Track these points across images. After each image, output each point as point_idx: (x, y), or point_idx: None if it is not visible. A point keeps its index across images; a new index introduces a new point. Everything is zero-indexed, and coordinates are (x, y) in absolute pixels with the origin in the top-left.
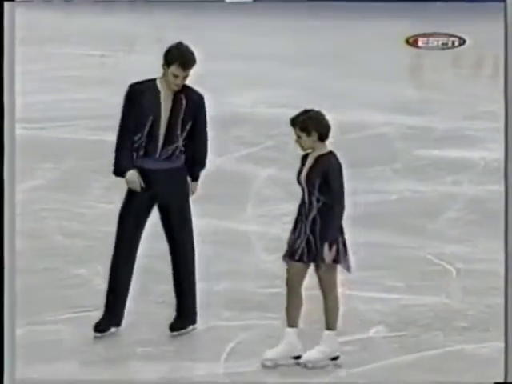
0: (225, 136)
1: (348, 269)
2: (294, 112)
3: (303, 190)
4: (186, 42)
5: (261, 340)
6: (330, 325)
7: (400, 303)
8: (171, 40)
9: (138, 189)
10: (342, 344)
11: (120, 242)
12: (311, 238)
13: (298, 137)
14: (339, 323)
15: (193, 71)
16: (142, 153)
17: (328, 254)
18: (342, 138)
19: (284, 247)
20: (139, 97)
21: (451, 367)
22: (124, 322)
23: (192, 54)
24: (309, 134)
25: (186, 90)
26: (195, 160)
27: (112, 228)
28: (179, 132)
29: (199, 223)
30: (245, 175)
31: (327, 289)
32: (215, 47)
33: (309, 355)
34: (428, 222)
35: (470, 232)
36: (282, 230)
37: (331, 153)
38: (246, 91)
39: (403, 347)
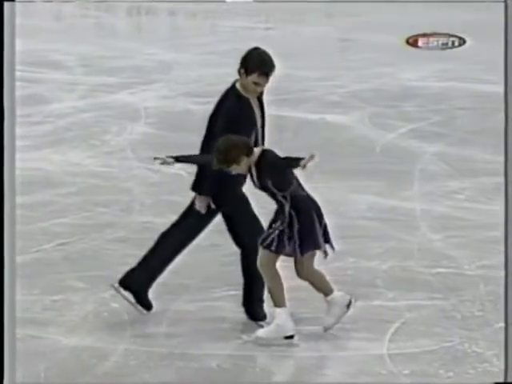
0: (392, 111)
1: (325, 253)
2: (464, 86)
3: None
4: (352, 13)
5: (425, 321)
6: (276, 304)
7: None
8: (341, 14)
9: (203, 212)
10: None
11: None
12: (287, 231)
13: (235, 170)
14: None
15: (367, 46)
16: None
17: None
18: None
19: (450, 226)
20: (238, 112)
21: None
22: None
23: (271, 60)
24: (238, 163)
25: None
26: None
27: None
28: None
29: (365, 201)
30: (410, 151)
31: (265, 272)
32: (385, 20)
33: (261, 332)
34: None
35: None
36: (448, 207)
37: (262, 152)
38: (418, 65)
39: None
